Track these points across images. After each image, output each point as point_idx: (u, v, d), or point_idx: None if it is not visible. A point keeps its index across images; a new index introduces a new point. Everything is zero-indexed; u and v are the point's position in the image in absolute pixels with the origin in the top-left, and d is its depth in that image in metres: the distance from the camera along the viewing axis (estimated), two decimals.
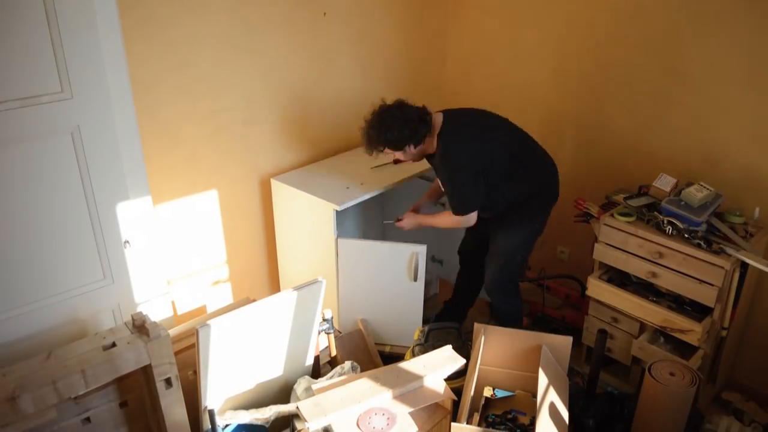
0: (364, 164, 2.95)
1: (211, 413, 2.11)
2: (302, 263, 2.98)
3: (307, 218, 2.80)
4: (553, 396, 2.11)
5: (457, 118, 2.51)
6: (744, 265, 2.38)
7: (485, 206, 2.53)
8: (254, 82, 2.74)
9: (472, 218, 2.52)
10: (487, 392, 2.35)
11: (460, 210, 2.50)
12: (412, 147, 2.45)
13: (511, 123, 2.59)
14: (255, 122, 2.81)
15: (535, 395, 2.17)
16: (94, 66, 1.96)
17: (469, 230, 2.90)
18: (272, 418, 2.20)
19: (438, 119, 2.48)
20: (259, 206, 3.00)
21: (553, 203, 2.68)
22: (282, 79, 2.84)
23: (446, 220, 2.58)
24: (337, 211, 2.64)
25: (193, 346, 2.05)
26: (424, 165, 2.73)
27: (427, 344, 2.54)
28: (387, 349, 2.86)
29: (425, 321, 2.87)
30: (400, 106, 2.45)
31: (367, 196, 2.73)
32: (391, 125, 2.39)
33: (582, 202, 2.81)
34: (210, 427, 2.12)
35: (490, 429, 2.01)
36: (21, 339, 2.06)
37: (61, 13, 1.84)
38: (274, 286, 3.20)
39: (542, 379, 2.14)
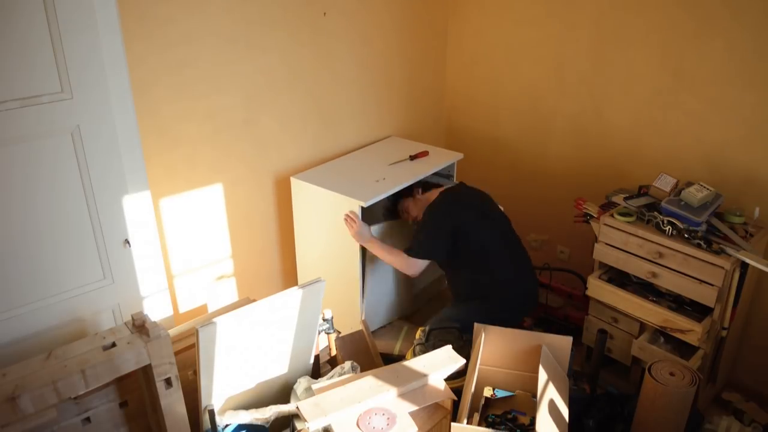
0: (377, 162, 3.02)
1: (211, 413, 2.11)
2: (323, 261, 2.96)
3: (330, 215, 2.79)
4: (553, 395, 2.11)
5: (465, 186, 2.79)
6: (744, 265, 2.38)
7: (451, 283, 2.75)
8: (255, 81, 2.73)
9: (418, 267, 2.59)
10: (487, 392, 2.35)
11: (414, 251, 2.58)
12: (419, 190, 2.80)
13: (507, 221, 2.75)
14: (257, 121, 2.80)
15: (535, 395, 2.17)
16: (94, 66, 1.96)
17: None
18: (272, 418, 2.20)
19: (449, 182, 2.82)
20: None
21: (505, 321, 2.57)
22: (283, 78, 2.84)
23: (395, 258, 2.61)
24: (362, 207, 2.65)
25: (193, 346, 2.05)
26: (438, 164, 2.98)
27: (428, 344, 2.54)
28: (396, 349, 2.87)
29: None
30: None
31: (392, 191, 2.77)
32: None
33: (582, 202, 2.81)
34: (210, 427, 2.12)
35: (490, 429, 2.01)
36: (21, 339, 2.06)
37: (61, 13, 1.84)
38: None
39: (542, 379, 2.13)
